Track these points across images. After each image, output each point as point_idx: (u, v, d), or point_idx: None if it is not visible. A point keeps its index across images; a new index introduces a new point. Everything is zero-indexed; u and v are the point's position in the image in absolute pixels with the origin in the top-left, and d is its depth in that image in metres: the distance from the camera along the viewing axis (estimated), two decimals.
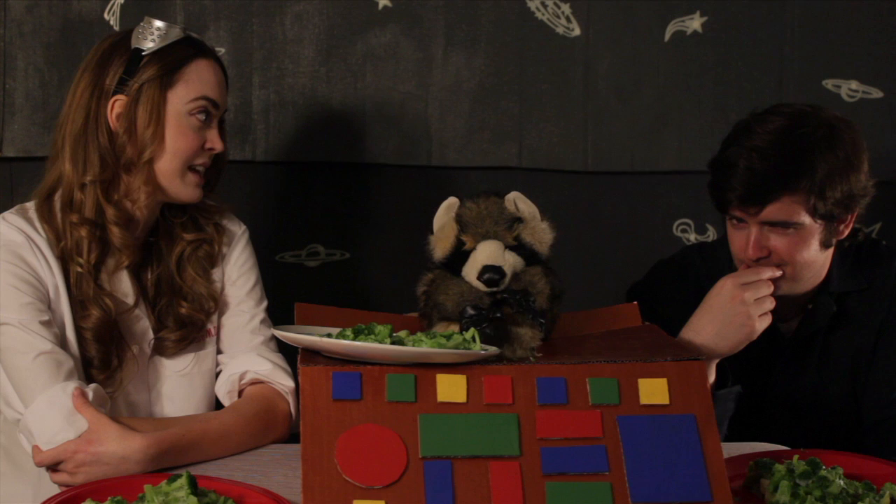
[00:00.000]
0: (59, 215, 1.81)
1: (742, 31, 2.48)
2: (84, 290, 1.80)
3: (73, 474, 1.63)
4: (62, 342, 1.77)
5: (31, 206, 1.85)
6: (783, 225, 1.87)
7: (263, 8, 2.41)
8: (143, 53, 1.81)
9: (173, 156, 1.82)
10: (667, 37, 2.47)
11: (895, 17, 2.48)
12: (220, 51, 2.38)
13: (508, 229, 1.52)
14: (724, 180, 1.90)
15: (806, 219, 1.87)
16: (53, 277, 1.78)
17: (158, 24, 1.82)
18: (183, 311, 1.88)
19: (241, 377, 1.90)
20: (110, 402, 1.77)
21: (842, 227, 1.93)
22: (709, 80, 2.48)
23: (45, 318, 1.75)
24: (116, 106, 1.80)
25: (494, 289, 1.49)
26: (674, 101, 2.49)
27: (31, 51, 2.36)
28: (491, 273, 1.48)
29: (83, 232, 1.79)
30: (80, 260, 1.79)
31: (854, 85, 2.48)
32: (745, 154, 1.88)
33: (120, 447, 1.63)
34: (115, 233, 1.81)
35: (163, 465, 1.66)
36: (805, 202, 1.86)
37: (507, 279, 1.49)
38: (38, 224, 1.81)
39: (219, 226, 1.95)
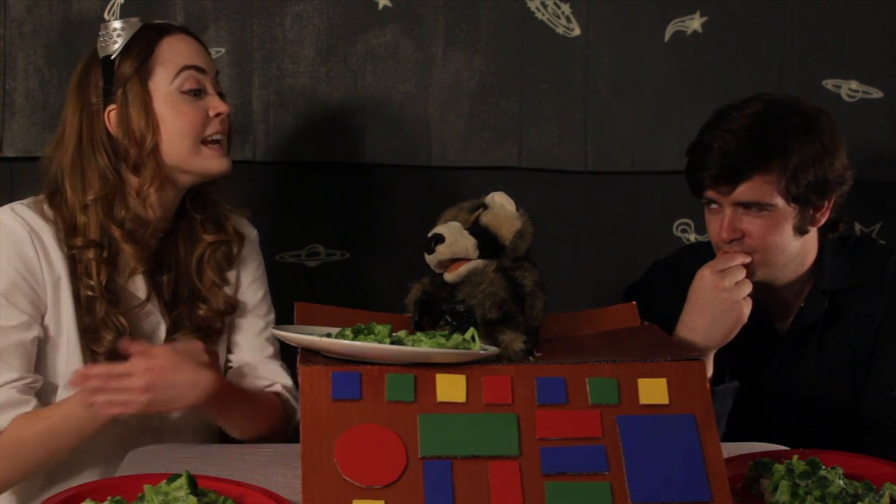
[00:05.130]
0: (70, 207, 1.80)
1: (742, 31, 2.48)
2: (96, 312, 1.78)
3: (137, 397, 1.64)
4: (53, 350, 1.79)
5: (41, 198, 1.84)
6: (756, 206, 1.89)
7: (263, 8, 2.41)
8: (112, 58, 1.79)
9: (180, 136, 1.80)
10: (667, 37, 2.47)
11: (895, 17, 2.48)
12: (220, 51, 2.39)
13: (470, 213, 1.52)
14: (698, 161, 1.92)
15: (779, 201, 1.89)
16: (53, 271, 1.77)
17: (115, 24, 1.81)
18: (201, 312, 1.88)
19: (268, 386, 1.93)
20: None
21: (818, 214, 1.94)
22: (709, 80, 2.48)
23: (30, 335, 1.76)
24: (112, 115, 1.80)
25: (430, 254, 1.49)
26: (674, 101, 2.49)
27: (31, 51, 2.36)
28: (427, 240, 1.48)
29: (90, 254, 1.78)
30: (91, 282, 1.78)
31: (854, 85, 2.48)
32: (719, 136, 1.91)
33: (193, 374, 1.66)
34: (127, 249, 1.81)
35: (211, 408, 1.74)
36: (777, 183, 1.88)
37: (444, 246, 1.48)
38: (49, 213, 1.80)
39: (236, 228, 1.95)
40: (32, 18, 2.35)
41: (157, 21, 1.87)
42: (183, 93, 1.80)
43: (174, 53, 1.81)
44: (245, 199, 2.39)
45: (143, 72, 1.79)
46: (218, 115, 1.83)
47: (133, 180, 1.82)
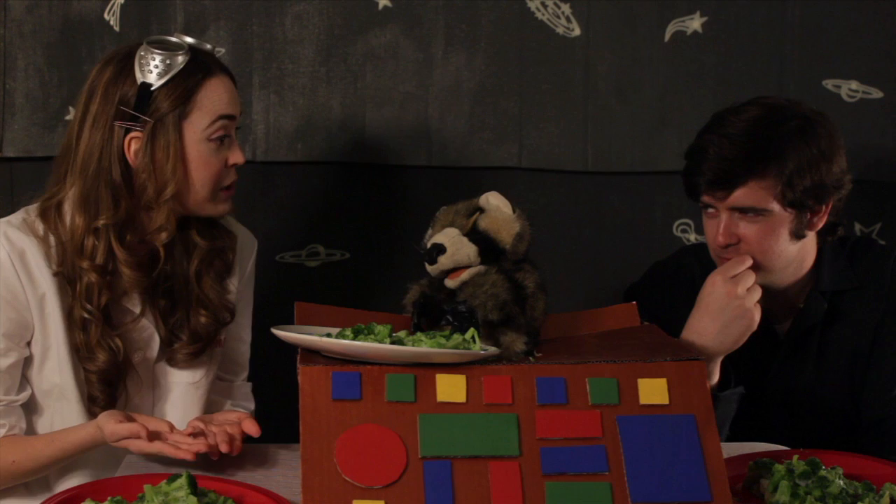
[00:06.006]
0: (68, 225, 1.76)
1: (742, 31, 2.48)
2: (90, 333, 1.76)
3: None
4: (41, 363, 1.78)
5: (34, 209, 1.81)
6: (752, 211, 1.88)
7: (263, 8, 2.41)
8: (152, 89, 1.74)
9: (201, 186, 1.78)
10: (667, 37, 2.47)
11: (895, 17, 2.48)
12: (220, 51, 2.38)
13: (467, 217, 1.52)
14: (695, 166, 1.92)
15: (775, 206, 1.88)
16: (37, 290, 1.75)
17: (159, 55, 1.74)
18: (203, 319, 1.85)
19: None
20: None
21: (815, 218, 1.93)
22: (709, 80, 2.48)
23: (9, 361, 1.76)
24: (133, 143, 1.75)
25: (432, 265, 1.48)
26: (674, 101, 2.49)
27: (31, 51, 2.36)
28: (428, 250, 1.48)
29: (93, 278, 1.75)
30: (90, 307, 1.75)
31: (854, 85, 2.48)
32: (715, 140, 1.90)
33: None
34: (128, 274, 1.77)
35: None
36: (773, 188, 1.87)
37: (446, 257, 1.47)
38: (40, 229, 1.77)
39: (227, 230, 1.92)
40: (32, 18, 2.35)
41: (196, 45, 1.80)
42: (210, 140, 1.78)
43: (213, 100, 1.77)
44: (245, 199, 2.40)
45: (181, 112, 1.75)
46: (235, 165, 1.82)
47: (145, 214, 1.79)
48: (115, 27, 2.37)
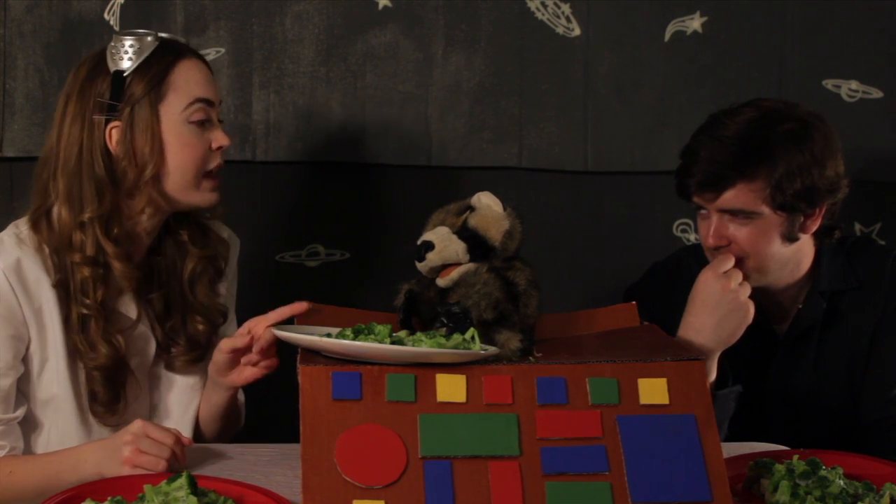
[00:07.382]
0: (56, 224, 1.76)
1: (742, 31, 2.48)
2: (92, 330, 1.76)
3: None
4: (39, 373, 1.77)
5: (23, 222, 1.80)
6: (742, 214, 1.89)
7: (263, 8, 2.41)
8: (125, 75, 1.75)
9: (183, 170, 1.77)
10: (667, 37, 2.47)
11: (895, 17, 2.48)
12: (220, 51, 2.39)
13: (458, 216, 1.52)
14: (686, 167, 1.93)
15: (764, 209, 1.88)
16: (34, 302, 1.74)
17: (129, 40, 1.76)
18: (200, 327, 1.86)
19: None
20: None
21: (808, 221, 1.93)
22: (709, 80, 2.48)
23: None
24: (114, 133, 1.75)
25: (421, 262, 1.49)
26: (674, 101, 2.49)
27: (31, 51, 2.36)
28: (417, 247, 1.49)
29: (87, 272, 1.75)
30: (87, 301, 1.75)
31: (854, 85, 2.48)
32: (707, 142, 1.91)
33: None
34: (118, 267, 1.77)
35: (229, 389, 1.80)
36: (762, 191, 1.87)
37: (434, 253, 1.48)
38: (32, 241, 1.76)
39: (218, 235, 1.92)
40: (32, 18, 2.36)
41: (169, 37, 1.82)
42: (191, 122, 1.78)
43: (188, 81, 1.78)
44: (245, 199, 2.40)
45: (155, 95, 1.75)
46: (220, 147, 1.81)
47: (126, 202, 1.79)
48: (115, 27, 2.37)
